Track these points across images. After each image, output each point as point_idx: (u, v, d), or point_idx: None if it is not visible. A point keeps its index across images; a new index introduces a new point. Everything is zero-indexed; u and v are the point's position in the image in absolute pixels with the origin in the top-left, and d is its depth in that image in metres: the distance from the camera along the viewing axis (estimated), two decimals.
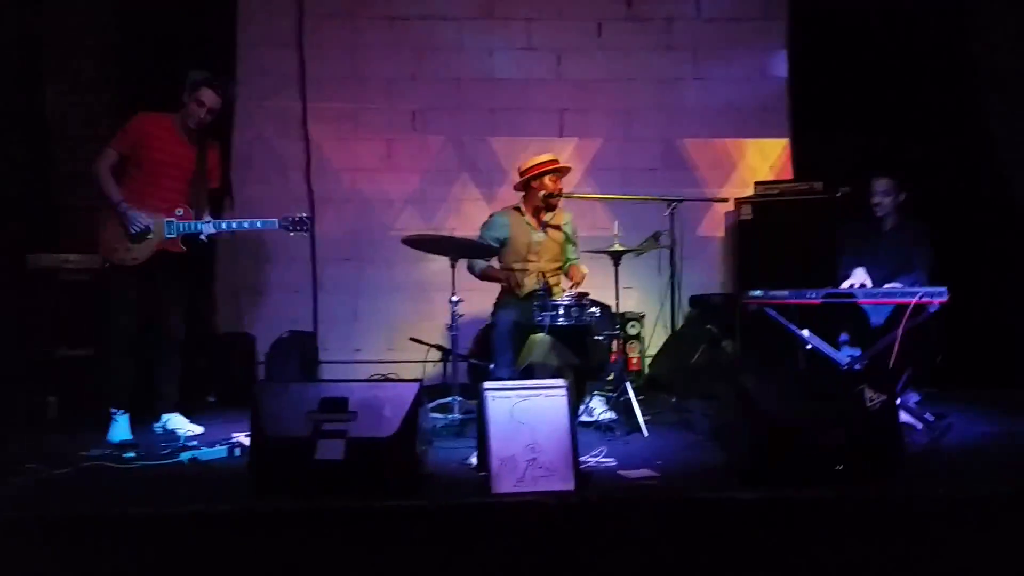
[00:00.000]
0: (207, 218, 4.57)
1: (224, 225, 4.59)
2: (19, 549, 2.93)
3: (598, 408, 4.69)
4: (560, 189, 5.11)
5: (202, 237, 4.52)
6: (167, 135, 4.50)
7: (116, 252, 4.41)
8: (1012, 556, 3.05)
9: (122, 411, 4.42)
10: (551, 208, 5.16)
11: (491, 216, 5.29)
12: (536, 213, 5.21)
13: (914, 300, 4.34)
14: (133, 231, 4.37)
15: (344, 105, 6.50)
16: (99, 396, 4.52)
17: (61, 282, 5.24)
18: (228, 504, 3.16)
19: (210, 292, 6.25)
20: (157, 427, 4.57)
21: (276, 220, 4.58)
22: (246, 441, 3.78)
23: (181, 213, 4.49)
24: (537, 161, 5.13)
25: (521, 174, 5.19)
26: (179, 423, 4.54)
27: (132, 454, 3.97)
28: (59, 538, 3.00)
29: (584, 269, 5.11)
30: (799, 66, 6.55)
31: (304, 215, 4.66)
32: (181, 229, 4.48)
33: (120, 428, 4.39)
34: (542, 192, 5.08)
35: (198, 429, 4.52)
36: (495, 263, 5.20)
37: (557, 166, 5.13)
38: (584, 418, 4.61)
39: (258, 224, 4.60)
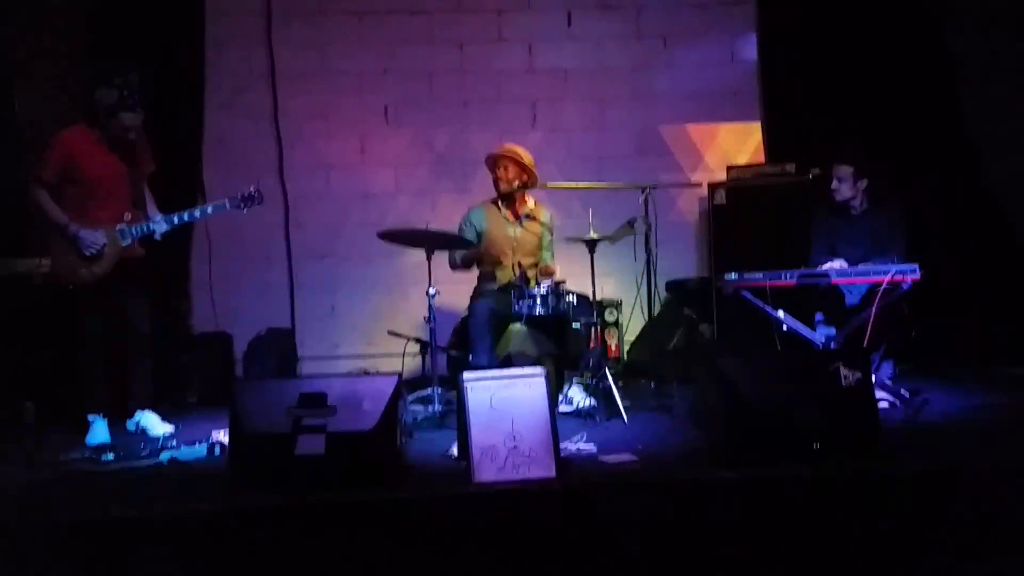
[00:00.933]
0: (156, 216, 4.51)
1: (176, 219, 4.54)
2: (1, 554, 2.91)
3: (577, 396, 4.71)
4: (509, 179, 5.13)
5: (156, 236, 4.47)
6: (93, 148, 4.39)
7: (77, 272, 4.35)
8: (988, 528, 3.08)
9: (99, 415, 4.40)
10: (506, 198, 5.19)
11: (469, 209, 5.31)
12: (511, 206, 5.23)
13: (887, 278, 4.39)
14: (88, 254, 4.32)
15: (316, 101, 6.47)
16: (75, 400, 4.49)
17: (33, 287, 5.19)
18: (209, 503, 3.16)
19: (186, 292, 6.22)
20: (130, 424, 4.54)
21: (226, 200, 4.56)
22: (226, 439, 3.77)
23: (129, 217, 4.43)
24: (490, 159, 5.21)
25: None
26: (151, 421, 4.51)
27: (111, 456, 3.95)
28: (40, 542, 2.98)
29: (555, 267, 5.13)
30: (768, 49, 6.56)
31: (254, 189, 4.63)
32: (134, 234, 4.43)
33: (98, 431, 4.37)
34: (500, 185, 5.13)
35: (169, 428, 4.48)
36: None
37: (494, 153, 5.19)
38: (564, 407, 4.62)
39: (209, 210, 4.56)
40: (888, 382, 4.57)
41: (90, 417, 4.39)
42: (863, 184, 4.98)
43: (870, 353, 4.34)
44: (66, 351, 4.81)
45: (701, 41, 6.70)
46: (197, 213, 4.58)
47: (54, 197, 4.35)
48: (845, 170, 4.98)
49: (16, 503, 3.31)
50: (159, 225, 4.46)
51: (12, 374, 5.03)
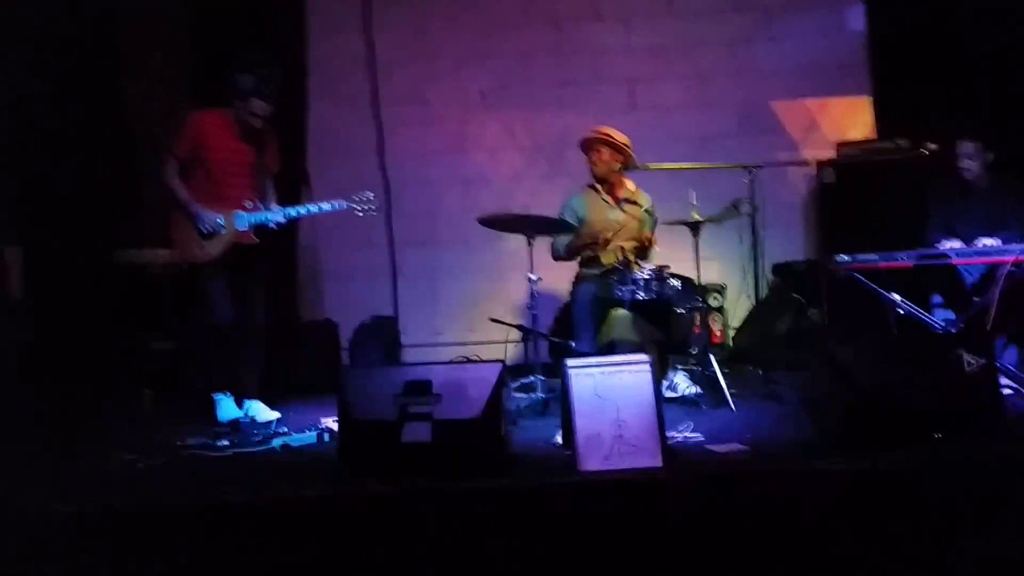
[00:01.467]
0: (275, 207, 4.61)
1: (293, 212, 4.64)
2: (121, 536, 3.02)
3: (681, 383, 4.63)
4: (605, 161, 5.07)
5: (271, 226, 4.57)
6: (223, 132, 4.52)
7: (191, 250, 4.50)
8: None
9: (224, 392, 4.55)
10: (603, 182, 5.14)
11: (568, 197, 5.26)
12: (611, 191, 5.16)
13: (1012, 258, 4.18)
14: (204, 230, 4.44)
15: (414, 86, 6.52)
16: (192, 387, 4.64)
17: (150, 277, 5.39)
18: (321, 488, 3.21)
19: (293, 280, 6.36)
20: (239, 412, 4.63)
21: (344, 201, 4.61)
22: (334, 426, 3.84)
23: (250, 205, 4.53)
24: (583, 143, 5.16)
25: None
26: (259, 410, 4.59)
27: (227, 442, 4.06)
28: (158, 526, 3.08)
29: (653, 238, 5.07)
30: (877, 19, 6.31)
31: (371, 194, 4.68)
32: (251, 220, 4.52)
33: (226, 408, 4.53)
34: (594, 168, 5.07)
35: (275, 415, 4.56)
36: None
37: (589, 136, 5.12)
38: (668, 394, 4.55)
39: (325, 207, 4.62)
40: (1013, 368, 4.34)
41: (215, 396, 4.54)
42: (990, 158, 4.75)
43: (993, 337, 4.14)
44: (187, 336, 4.99)
45: (806, 12, 6.48)
46: (314, 208, 4.66)
47: (181, 176, 4.50)
48: (971, 146, 4.76)
49: (132, 488, 3.42)
50: (276, 215, 4.56)
51: (132, 363, 5.24)
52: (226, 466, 3.75)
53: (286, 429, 4.28)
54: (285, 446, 3.96)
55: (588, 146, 5.14)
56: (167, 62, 6.27)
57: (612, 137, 5.08)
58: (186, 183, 4.49)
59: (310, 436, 4.05)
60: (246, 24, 5.99)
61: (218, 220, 4.46)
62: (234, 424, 4.42)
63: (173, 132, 4.54)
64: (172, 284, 5.27)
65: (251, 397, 4.64)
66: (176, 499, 3.25)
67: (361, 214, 4.66)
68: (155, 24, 6.30)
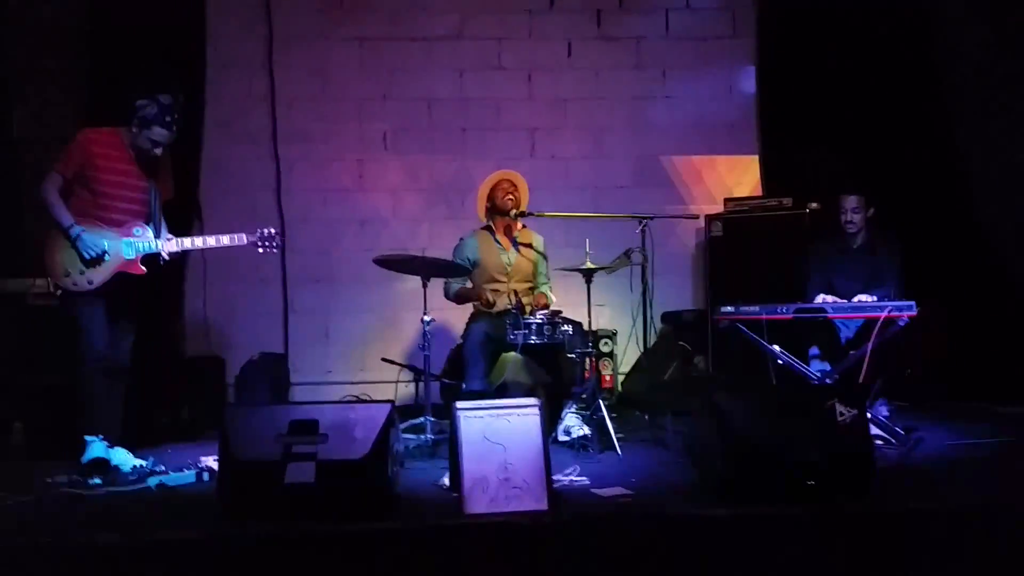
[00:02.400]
0: (167, 236, 4.40)
1: (188, 242, 4.46)
2: None
3: (574, 426, 4.66)
4: (518, 200, 5.16)
5: (163, 256, 4.35)
6: (115, 152, 4.28)
7: (69, 277, 4.19)
8: (982, 568, 3.05)
9: (98, 437, 4.18)
10: (501, 224, 5.23)
11: (461, 239, 5.31)
12: (506, 233, 5.23)
13: (883, 314, 4.39)
14: (87, 255, 4.17)
15: (315, 125, 6.49)
16: (65, 423, 4.38)
17: (28, 307, 5.16)
18: (197, 530, 3.11)
19: (179, 315, 6.18)
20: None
21: (244, 235, 4.46)
22: (215, 465, 3.73)
23: (140, 233, 4.32)
24: (490, 180, 5.25)
25: (480, 198, 5.29)
26: (122, 457, 4.21)
27: (99, 480, 3.89)
28: (24, 567, 2.93)
29: (552, 299, 5.14)
30: (767, 83, 6.63)
31: (273, 231, 4.55)
32: (140, 249, 4.29)
33: (95, 451, 4.15)
34: (502, 209, 5.15)
35: (140, 462, 4.20)
36: (468, 284, 5.21)
37: (501, 175, 5.23)
38: (562, 437, 4.58)
39: (224, 240, 4.44)
40: (884, 419, 4.54)
41: (87, 438, 4.18)
42: (871, 213, 5.01)
43: (866, 390, 4.33)
44: (63, 371, 4.71)
45: (700, 74, 6.76)
46: (212, 241, 4.46)
47: (64, 195, 4.21)
48: (855, 200, 5.02)
49: None
50: (169, 244, 4.35)
51: (2, 396, 4.98)
52: (98, 505, 3.60)
53: (163, 468, 4.13)
54: (161, 485, 3.82)
55: (503, 185, 5.20)
56: (59, 88, 6.07)
57: (522, 181, 5.24)
58: (68, 203, 4.20)
59: (188, 475, 3.92)
60: (144, 52, 5.85)
61: (103, 245, 4.20)
62: (100, 464, 4.08)
63: (62, 149, 4.28)
64: (48, 315, 5.03)
65: (115, 444, 4.26)
66: (44, 539, 3.08)
67: (262, 251, 4.53)
68: (48, 50, 6.10)
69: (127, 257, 4.29)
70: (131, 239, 4.30)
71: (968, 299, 5.80)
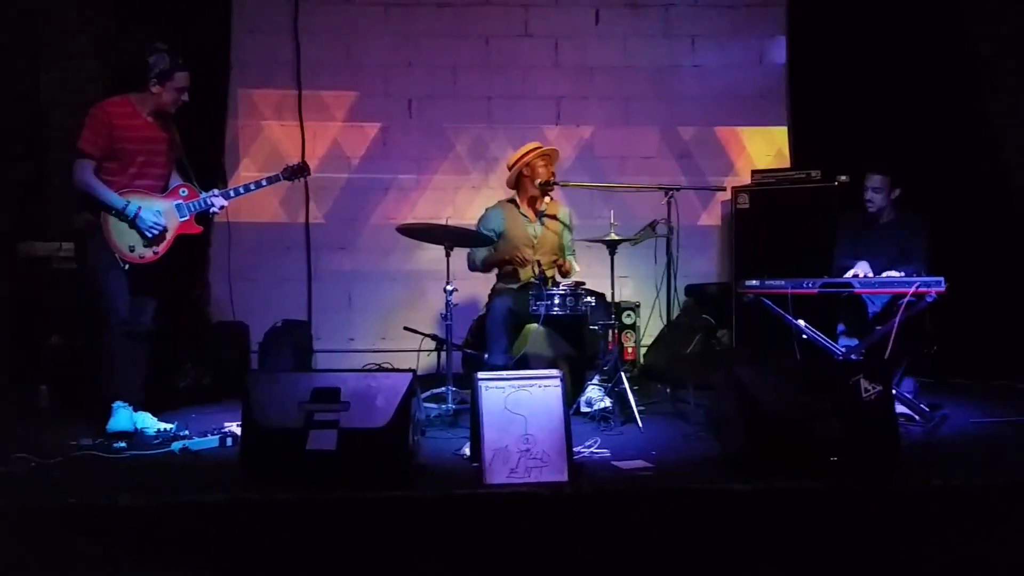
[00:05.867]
0: (212, 191, 4.42)
1: (233, 192, 4.48)
2: (7, 539, 2.90)
3: (596, 397, 4.65)
4: (552, 174, 5.08)
5: (214, 210, 4.40)
6: (133, 120, 4.25)
7: (134, 251, 4.21)
8: (1006, 546, 3.03)
9: (124, 403, 4.21)
10: (546, 193, 5.13)
11: (486, 210, 5.27)
12: (531, 204, 5.19)
13: (911, 290, 4.33)
14: (151, 236, 4.21)
15: (340, 92, 6.46)
16: (90, 387, 4.41)
17: (53, 271, 5.20)
18: (219, 494, 3.13)
19: (204, 281, 6.21)
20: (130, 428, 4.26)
21: (278, 173, 4.55)
22: (238, 431, 3.75)
23: (186, 193, 4.34)
24: (524, 150, 5.15)
25: (510, 167, 5.19)
26: (149, 422, 4.29)
27: (123, 444, 3.93)
28: (49, 528, 2.97)
29: (574, 267, 5.10)
30: (798, 53, 6.52)
31: (301, 162, 4.64)
32: (192, 208, 4.33)
33: (121, 418, 4.17)
34: (537, 180, 5.05)
35: (167, 426, 4.26)
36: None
37: (543, 149, 5.14)
38: (584, 408, 4.58)
39: (263, 183, 4.51)
40: (909, 396, 4.49)
41: (114, 404, 4.20)
42: (896, 193, 4.91)
43: (892, 366, 4.28)
44: (88, 335, 4.74)
45: (730, 42, 6.66)
46: (252, 186, 4.52)
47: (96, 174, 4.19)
48: (879, 179, 4.91)
49: (23, 488, 3.29)
50: (218, 199, 4.38)
51: (29, 358, 5.03)
52: (121, 468, 3.63)
53: (187, 432, 4.16)
54: (184, 449, 3.85)
55: (538, 156, 5.10)
56: (86, 57, 6.08)
57: (556, 153, 5.19)
58: (102, 179, 4.17)
59: (212, 440, 3.95)
60: (169, 17, 5.83)
61: (160, 217, 4.23)
62: (124, 433, 4.10)
63: (80, 132, 4.20)
64: (74, 278, 5.07)
65: (140, 408, 4.31)
66: (68, 501, 3.11)
67: (294, 183, 4.70)
68: (76, 14, 6.10)
69: (182, 219, 4.33)
70: (179, 201, 4.33)
71: (996, 275, 5.72)
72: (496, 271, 5.23)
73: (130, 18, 5.98)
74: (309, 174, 4.72)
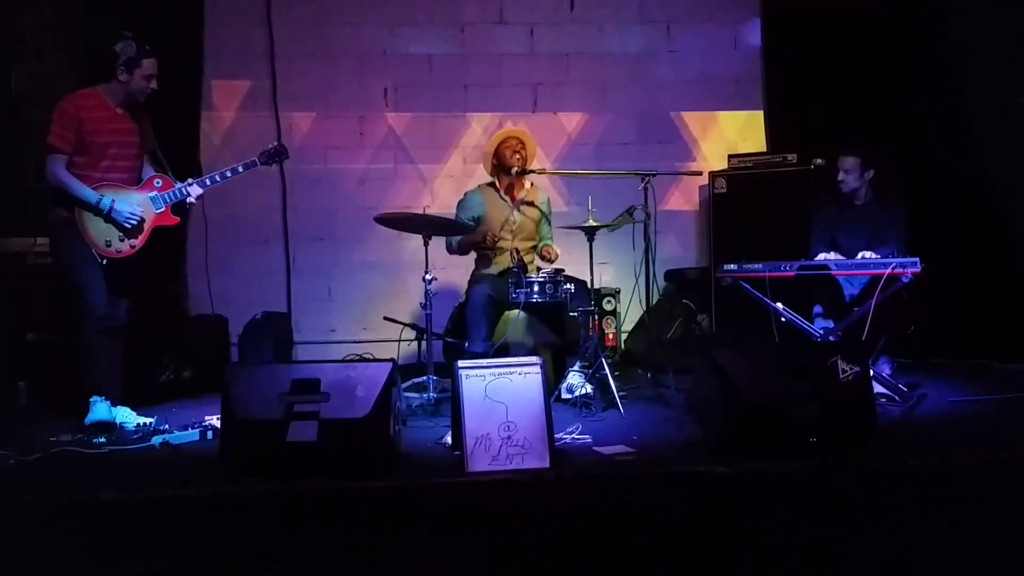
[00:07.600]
0: (187, 180, 4.38)
1: (209, 180, 4.41)
2: None
3: (577, 384, 4.67)
4: (525, 159, 5.10)
5: (190, 200, 4.36)
6: (102, 112, 4.21)
7: (111, 247, 4.19)
8: (985, 524, 3.07)
9: (101, 397, 4.18)
10: (504, 181, 5.16)
11: (465, 194, 5.27)
12: (509, 191, 5.19)
13: (887, 271, 4.36)
14: (129, 227, 4.18)
15: (315, 81, 6.41)
16: (68, 383, 4.38)
17: (28, 266, 5.15)
18: (200, 488, 3.12)
19: (181, 274, 6.17)
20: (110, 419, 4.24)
21: (255, 158, 4.49)
22: (218, 424, 3.73)
23: (160, 184, 4.31)
24: (495, 138, 5.19)
25: (488, 155, 5.22)
26: (127, 416, 4.27)
27: (103, 439, 3.91)
28: (28, 524, 2.96)
29: (556, 250, 5.11)
30: (773, 36, 6.53)
31: (278, 144, 4.59)
32: (168, 199, 4.30)
33: (99, 411, 4.15)
34: (509, 168, 5.07)
35: (146, 420, 4.24)
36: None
37: (509, 132, 5.19)
38: (565, 395, 4.59)
39: (240, 169, 4.44)
40: (886, 376, 4.53)
41: (91, 399, 4.17)
42: (869, 175, 4.95)
43: (869, 347, 4.32)
44: (64, 331, 4.70)
45: (705, 27, 6.67)
46: (228, 173, 4.43)
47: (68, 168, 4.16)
48: (851, 161, 4.94)
49: (3, 484, 3.27)
50: (193, 188, 4.34)
51: (6, 355, 4.98)
52: (102, 464, 3.62)
53: (167, 426, 4.14)
54: (165, 443, 3.84)
55: (512, 142, 5.13)
56: (56, 45, 6.00)
57: (530, 138, 5.20)
58: (75, 175, 4.14)
59: (192, 434, 3.94)
60: (142, 8, 5.76)
61: (136, 209, 4.21)
62: (103, 426, 4.08)
63: (47, 128, 4.16)
64: (50, 273, 5.02)
65: (119, 403, 4.29)
66: (48, 497, 3.10)
67: (273, 165, 4.63)
68: (48, 5, 6.02)
69: (157, 211, 4.30)
70: (154, 192, 4.30)
71: (971, 256, 5.76)
72: (475, 256, 5.23)
73: (100, 8, 5.90)
74: (287, 157, 4.64)
